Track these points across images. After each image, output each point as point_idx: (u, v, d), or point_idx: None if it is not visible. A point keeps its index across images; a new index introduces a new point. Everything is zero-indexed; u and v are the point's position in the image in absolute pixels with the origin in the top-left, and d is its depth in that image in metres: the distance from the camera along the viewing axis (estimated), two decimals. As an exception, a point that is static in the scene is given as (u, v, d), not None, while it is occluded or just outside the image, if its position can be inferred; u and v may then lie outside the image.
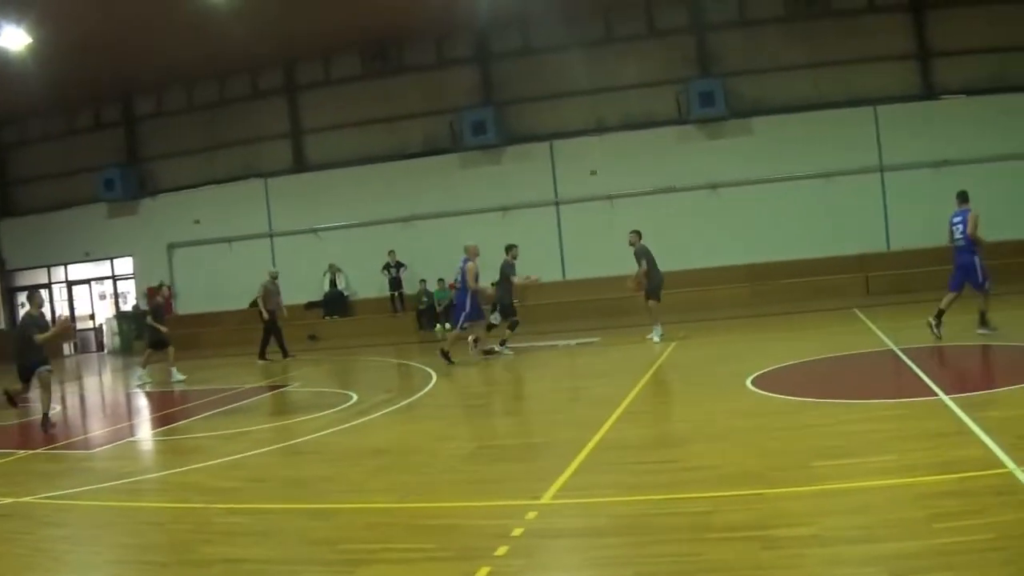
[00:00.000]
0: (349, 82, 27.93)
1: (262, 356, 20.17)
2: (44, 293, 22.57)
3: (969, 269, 13.39)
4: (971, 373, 10.97)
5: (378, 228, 27.24)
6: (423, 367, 16.70)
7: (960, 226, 13.52)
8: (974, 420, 7.82)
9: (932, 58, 24.12)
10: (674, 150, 25.32)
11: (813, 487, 6.48)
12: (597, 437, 8.79)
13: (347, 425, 10.37)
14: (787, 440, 8.04)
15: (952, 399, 8.82)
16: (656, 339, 17.06)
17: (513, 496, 6.95)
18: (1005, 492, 5.85)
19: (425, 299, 26.19)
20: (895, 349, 13.02)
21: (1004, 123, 23.16)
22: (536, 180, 26.10)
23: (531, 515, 6.29)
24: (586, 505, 6.58)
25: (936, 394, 9.21)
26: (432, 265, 26.03)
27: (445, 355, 16.46)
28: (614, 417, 9.83)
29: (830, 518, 5.74)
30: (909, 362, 11.68)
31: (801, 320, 19.19)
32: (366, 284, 26.28)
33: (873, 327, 16.08)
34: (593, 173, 25.72)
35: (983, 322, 13.51)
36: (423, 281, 26.31)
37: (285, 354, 20.49)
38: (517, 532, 5.92)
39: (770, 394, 10.32)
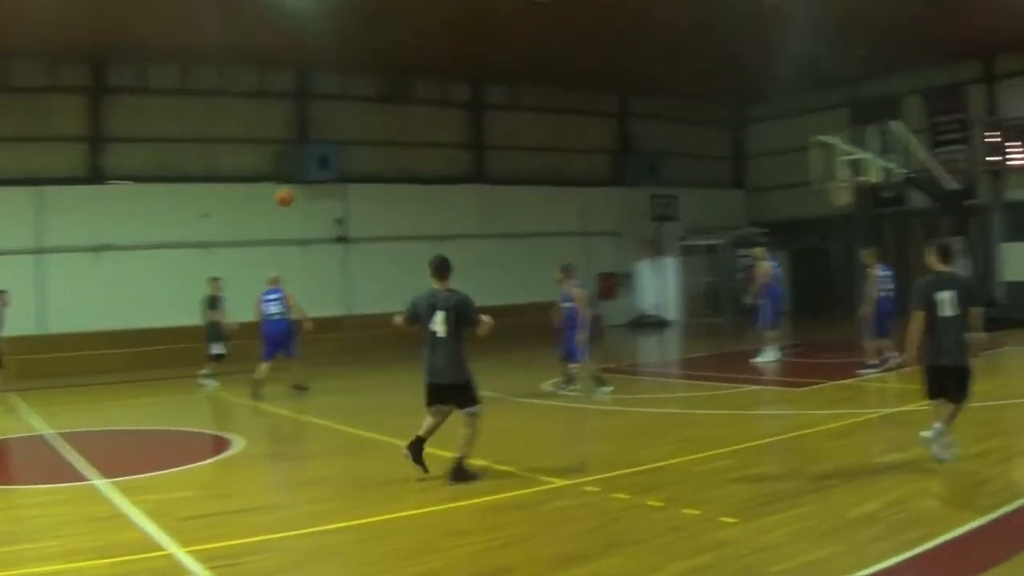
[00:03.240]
0: None
1: None
2: None
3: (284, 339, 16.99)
4: (128, 457, 11.59)
5: None
6: None
7: (278, 303, 16.99)
8: (131, 504, 8.55)
9: (103, 143, 25.17)
10: None
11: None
12: None
13: None
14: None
15: (108, 484, 9.43)
16: None
17: None
18: (166, 574, 6.59)
19: None
20: (47, 433, 13.22)
21: (166, 210, 25.14)
22: None
23: None
24: None
25: (91, 479, 9.71)
26: None
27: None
28: None
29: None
30: (63, 447, 12.02)
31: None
32: None
33: (24, 410, 16.08)
34: None
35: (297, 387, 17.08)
36: None
37: None
38: None
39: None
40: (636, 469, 9.63)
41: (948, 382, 9.00)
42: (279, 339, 16.96)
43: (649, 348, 26.87)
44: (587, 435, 12.20)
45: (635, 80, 32.02)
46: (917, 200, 29.29)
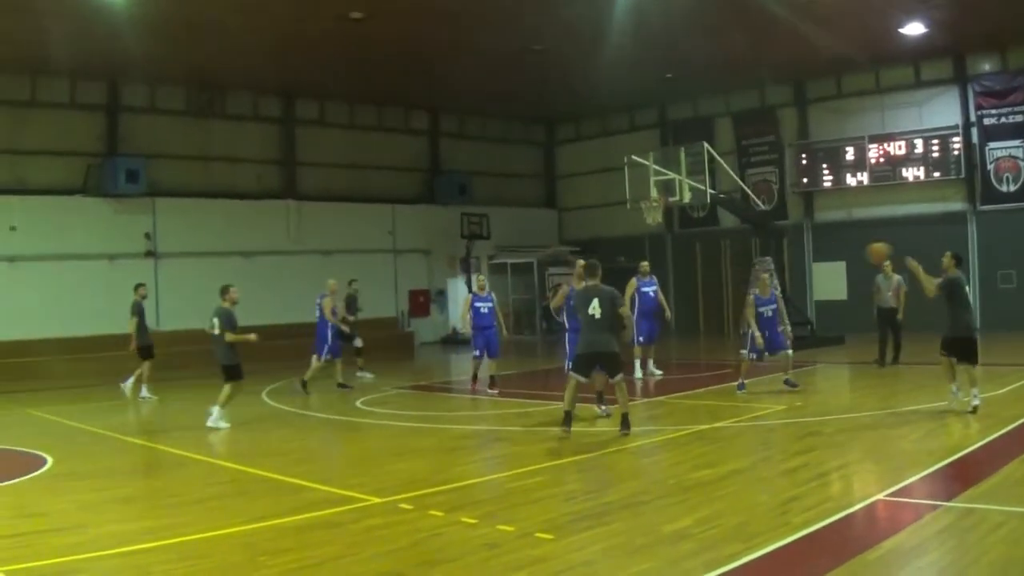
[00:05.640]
0: None
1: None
2: None
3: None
4: None
5: None
6: None
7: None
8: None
9: None
10: None
11: None
12: None
13: None
14: None
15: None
16: None
17: None
18: None
19: None
20: None
21: None
22: None
23: None
24: None
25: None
26: None
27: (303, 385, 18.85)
28: None
29: None
30: None
31: None
32: None
33: None
34: None
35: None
36: None
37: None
38: None
39: None
40: (450, 486, 9.75)
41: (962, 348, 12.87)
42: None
43: (460, 366, 26.91)
44: (400, 453, 12.13)
45: (446, 99, 32.70)
46: (728, 220, 30.53)
